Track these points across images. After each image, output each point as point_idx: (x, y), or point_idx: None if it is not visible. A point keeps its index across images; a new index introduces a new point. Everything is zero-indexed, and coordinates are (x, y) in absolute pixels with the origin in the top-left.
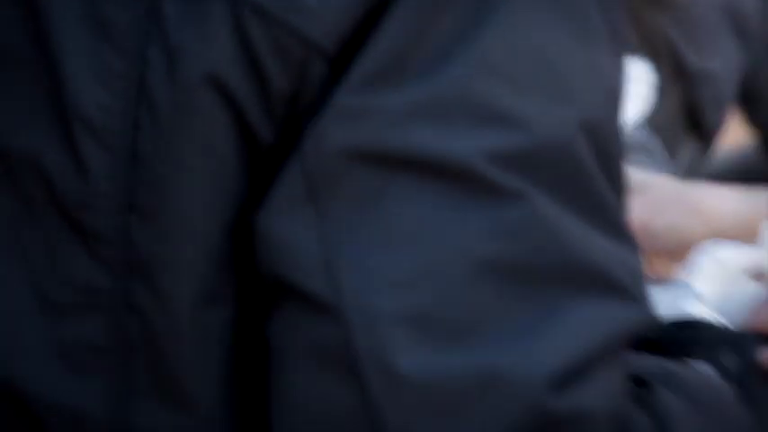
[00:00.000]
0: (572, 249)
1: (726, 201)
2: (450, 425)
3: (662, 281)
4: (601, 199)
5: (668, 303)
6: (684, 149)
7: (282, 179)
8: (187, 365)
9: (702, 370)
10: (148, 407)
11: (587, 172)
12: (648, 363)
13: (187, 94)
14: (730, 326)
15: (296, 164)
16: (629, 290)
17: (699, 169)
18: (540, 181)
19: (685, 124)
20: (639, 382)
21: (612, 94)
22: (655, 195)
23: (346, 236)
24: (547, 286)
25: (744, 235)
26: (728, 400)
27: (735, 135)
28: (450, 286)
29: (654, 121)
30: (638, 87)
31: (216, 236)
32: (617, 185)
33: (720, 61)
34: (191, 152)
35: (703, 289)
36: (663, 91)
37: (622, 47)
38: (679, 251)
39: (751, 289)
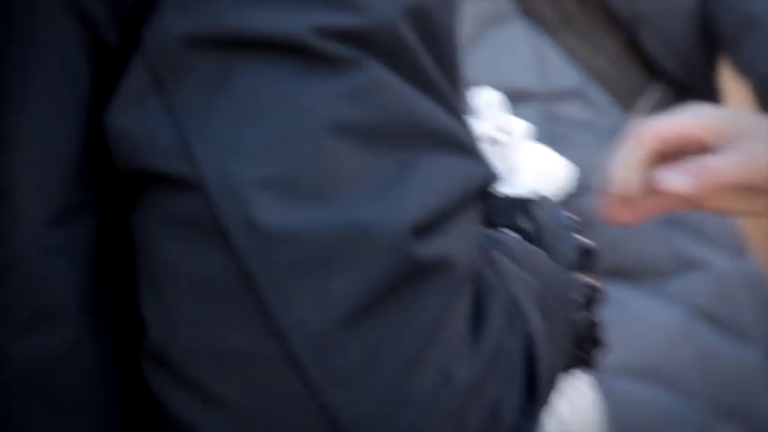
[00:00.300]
0: (414, 110)
1: None
2: (320, 276)
3: None
4: (430, 78)
5: None
6: (646, 98)
7: (127, 75)
8: (55, 283)
9: (511, 235)
10: (22, 334)
11: (414, 53)
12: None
13: (43, 18)
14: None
15: (139, 58)
16: (472, 149)
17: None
18: (372, 54)
19: (643, 72)
20: None
21: None
22: None
23: (197, 117)
24: (398, 144)
25: None
26: (540, 259)
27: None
28: (305, 150)
29: (596, 70)
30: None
31: (73, 149)
32: (450, 72)
33: (661, 1)
34: (47, 74)
35: None
36: (598, 39)
37: None
38: None
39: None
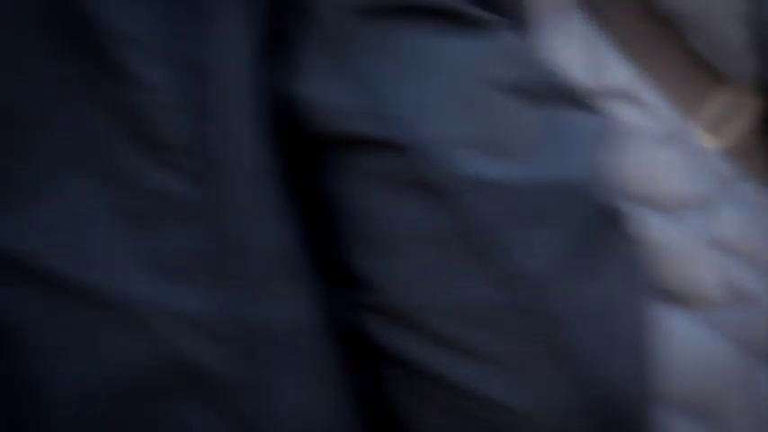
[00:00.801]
0: (546, 69)
1: None
2: (532, 226)
3: None
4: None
5: None
6: (710, 104)
7: (304, 46)
8: (263, 240)
9: None
10: (253, 295)
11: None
12: None
13: None
14: None
15: (312, 30)
16: (591, 105)
17: (731, 122)
18: (499, 17)
19: (706, 75)
20: None
21: None
22: None
23: (381, 81)
24: (548, 101)
25: None
26: None
27: None
28: (481, 108)
29: (653, 70)
30: None
31: (257, 112)
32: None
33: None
34: (236, 46)
35: None
36: (655, 37)
37: None
38: None
39: None
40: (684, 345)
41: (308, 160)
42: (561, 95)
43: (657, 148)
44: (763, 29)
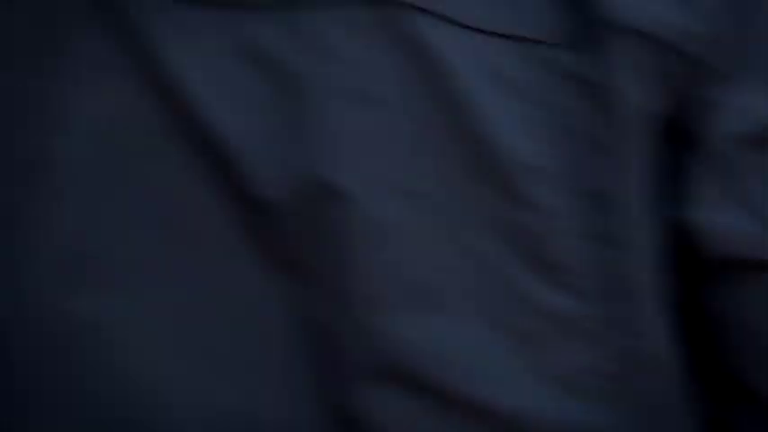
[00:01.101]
0: None
1: None
2: None
3: None
4: None
5: None
6: None
7: (694, 176)
8: (658, 358)
9: None
10: (655, 412)
11: None
12: None
13: (621, 124)
14: None
15: (703, 160)
16: None
17: None
18: None
19: None
20: None
21: None
22: None
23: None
24: None
25: None
26: None
27: None
28: None
29: None
30: None
31: (656, 242)
32: None
33: None
34: (635, 178)
35: None
36: None
37: None
38: None
39: None
40: None
41: (694, 280)
42: None
43: None
44: None
